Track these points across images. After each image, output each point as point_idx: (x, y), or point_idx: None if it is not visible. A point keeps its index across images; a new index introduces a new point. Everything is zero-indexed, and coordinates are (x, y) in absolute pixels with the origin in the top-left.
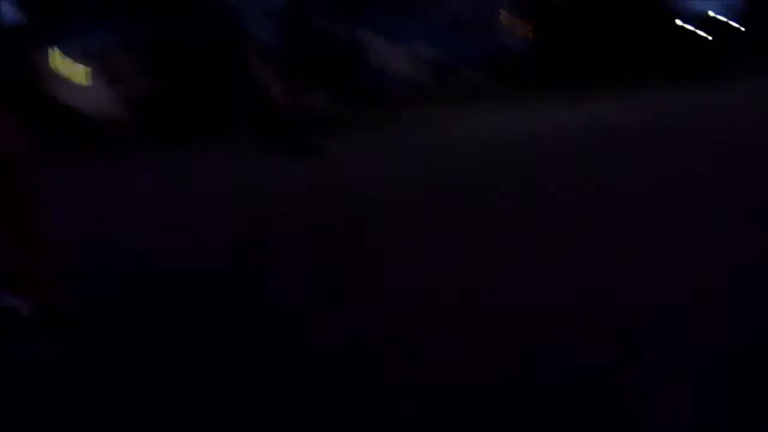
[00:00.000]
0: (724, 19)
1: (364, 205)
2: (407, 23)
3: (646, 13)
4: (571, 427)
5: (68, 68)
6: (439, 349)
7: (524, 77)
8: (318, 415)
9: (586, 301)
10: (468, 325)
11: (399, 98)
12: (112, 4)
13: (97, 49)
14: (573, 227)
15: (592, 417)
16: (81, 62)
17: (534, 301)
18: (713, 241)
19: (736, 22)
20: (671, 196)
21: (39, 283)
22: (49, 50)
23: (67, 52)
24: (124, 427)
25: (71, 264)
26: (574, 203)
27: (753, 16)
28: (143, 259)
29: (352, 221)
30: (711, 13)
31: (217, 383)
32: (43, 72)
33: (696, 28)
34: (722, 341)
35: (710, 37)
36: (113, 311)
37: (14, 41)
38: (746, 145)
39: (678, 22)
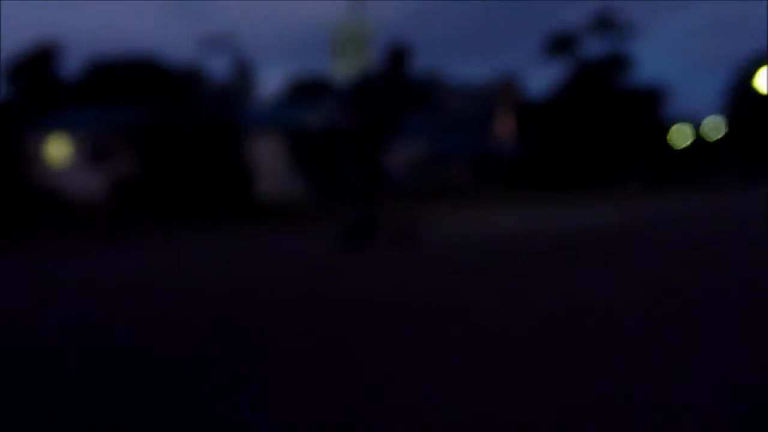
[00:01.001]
0: None
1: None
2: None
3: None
4: None
5: (52, 149)
6: None
7: (514, 178)
8: None
9: None
10: None
11: (395, 195)
12: (100, 85)
13: (82, 130)
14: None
15: None
16: (65, 143)
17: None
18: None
19: None
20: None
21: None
22: (33, 130)
23: (51, 132)
24: None
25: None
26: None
27: None
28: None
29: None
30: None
31: None
32: (25, 153)
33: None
34: None
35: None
36: None
37: None
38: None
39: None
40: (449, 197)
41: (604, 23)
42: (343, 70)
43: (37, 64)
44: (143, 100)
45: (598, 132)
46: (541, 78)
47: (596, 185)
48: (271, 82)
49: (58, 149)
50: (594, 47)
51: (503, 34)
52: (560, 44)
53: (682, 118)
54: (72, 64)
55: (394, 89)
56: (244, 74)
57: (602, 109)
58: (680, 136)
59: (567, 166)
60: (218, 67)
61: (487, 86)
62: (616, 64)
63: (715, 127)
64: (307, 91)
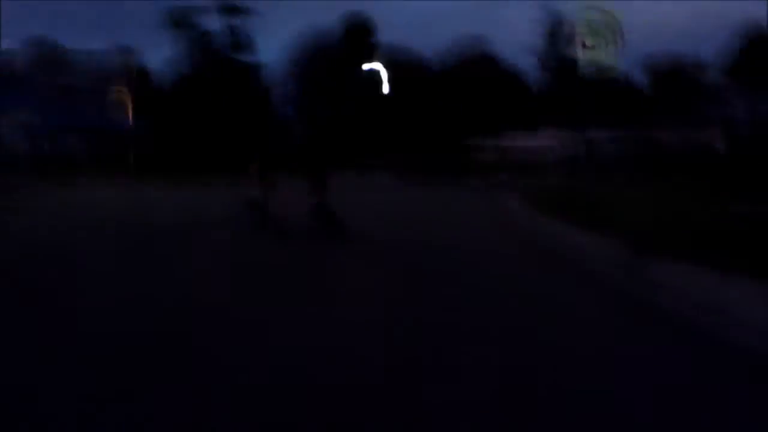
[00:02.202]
0: None
1: None
2: (11, 92)
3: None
4: None
5: None
6: None
7: (133, 156)
8: None
9: None
10: None
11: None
12: None
13: None
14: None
15: None
16: None
17: None
18: None
19: None
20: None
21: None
22: None
23: None
24: None
25: None
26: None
27: None
28: None
29: None
30: None
31: None
32: None
33: None
34: None
35: None
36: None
37: None
38: None
39: None
40: (68, 171)
41: (225, 6)
42: None
43: None
44: None
45: (217, 114)
46: (163, 54)
47: (220, 168)
48: None
49: None
50: (214, 25)
51: (121, 7)
52: (178, 21)
53: None
54: None
55: None
56: None
57: (220, 90)
58: None
59: (187, 147)
60: None
61: (103, 59)
62: (235, 45)
63: None
64: None
